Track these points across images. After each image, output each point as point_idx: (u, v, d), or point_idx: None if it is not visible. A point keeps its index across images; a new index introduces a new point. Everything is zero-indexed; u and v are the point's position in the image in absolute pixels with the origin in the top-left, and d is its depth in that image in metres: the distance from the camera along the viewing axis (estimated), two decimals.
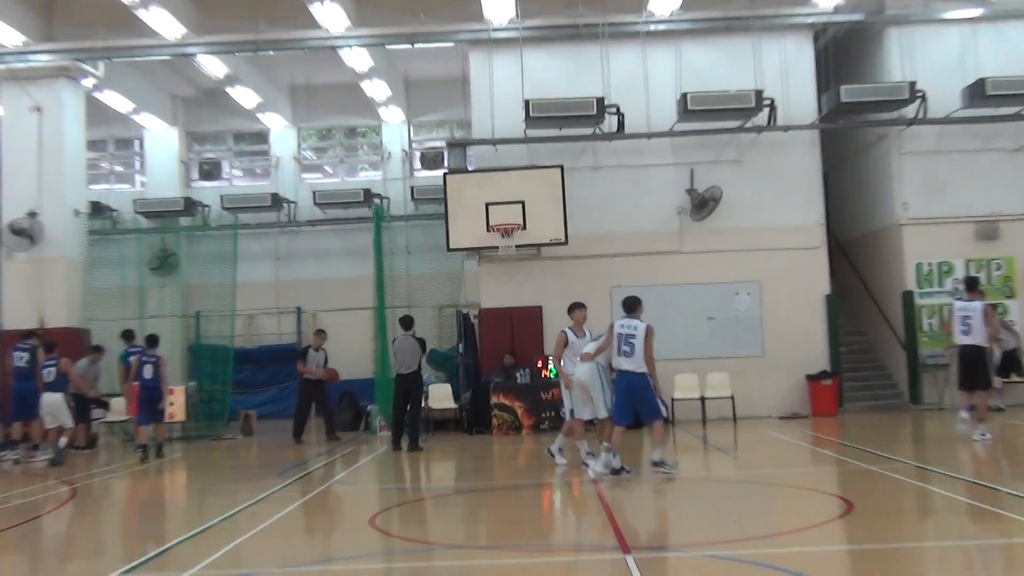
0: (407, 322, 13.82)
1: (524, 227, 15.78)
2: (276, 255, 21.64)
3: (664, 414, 9.85)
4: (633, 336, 9.60)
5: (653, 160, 16.96)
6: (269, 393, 20.90)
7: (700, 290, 16.70)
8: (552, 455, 10.80)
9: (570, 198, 16.11)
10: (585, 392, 10.16)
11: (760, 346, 16.68)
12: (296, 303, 21.48)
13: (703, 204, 16.61)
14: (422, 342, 13.67)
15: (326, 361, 15.84)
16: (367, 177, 22.29)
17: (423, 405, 14.80)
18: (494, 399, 15.23)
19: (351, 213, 20.88)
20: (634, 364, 9.53)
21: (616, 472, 9.63)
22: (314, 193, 20.71)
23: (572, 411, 10.35)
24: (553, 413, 15.01)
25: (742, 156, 16.97)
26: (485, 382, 15.86)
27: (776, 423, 15.52)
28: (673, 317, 16.51)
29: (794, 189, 16.88)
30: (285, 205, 21.17)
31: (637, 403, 9.64)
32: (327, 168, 22.89)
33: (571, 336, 10.34)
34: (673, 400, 15.68)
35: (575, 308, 10.64)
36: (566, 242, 15.96)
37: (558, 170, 16.09)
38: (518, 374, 15.74)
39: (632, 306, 9.88)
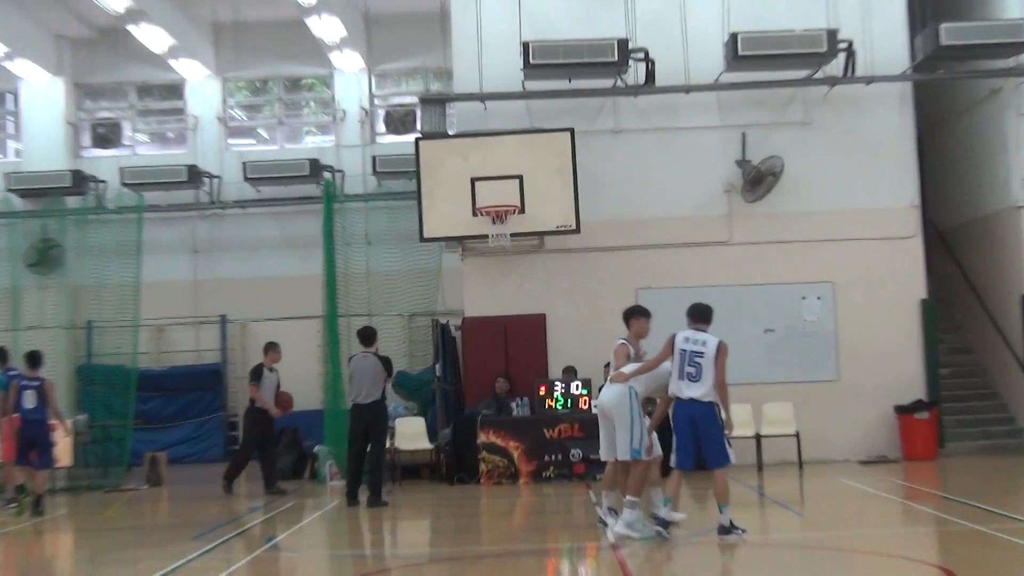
0: (367, 336, 13.80)
1: (522, 210, 15.75)
2: (194, 246, 21.55)
3: (733, 460, 9.88)
4: (700, 355, 9.70)
5: (692, 122, 16.96)
6: (184, 430, 20.84)
7: (754, 294, 16.68)
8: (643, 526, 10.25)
9: (583, 172, 16.09)
10: (608, 424, 10.19)
11: (834, 368, 16.69)
12: (221, 310, 21.41)
13: (759, 180, 16.60)
14: (387, 362, 13.67)
15: (278, 385, 15.82)
16: (314, 144, 22.25)
17: (388, 445, 14.76)
18: (482, 437, 15.22)
19: (293, 191, 20.86)
20: (701, 391, 9.64)
21: (664, 525, 9.69)
22: (244, 165, 20.68)
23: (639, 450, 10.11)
24: (560, 456, 15.01)
25: (810, 117, 16.98)
26: (470, 415, 15.85)
27: (855, 469, 15.51)
28: (719, 329, 16.25)
29: (879, 160, 16.92)
30: (206, 181, 21.14)
31: (702, 441, 9.69)
32: (262, 132, 22.84)
33: (632, 351, 10.35)
34: None
35: (637, 316, 10.53)
36: (578, 230, 15.95)
37: (567, 135, 16.07)
38: (514, 404, 15.72)
39: (703, 315, 9.99)
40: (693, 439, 9.68)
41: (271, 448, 15.72)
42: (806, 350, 16.70)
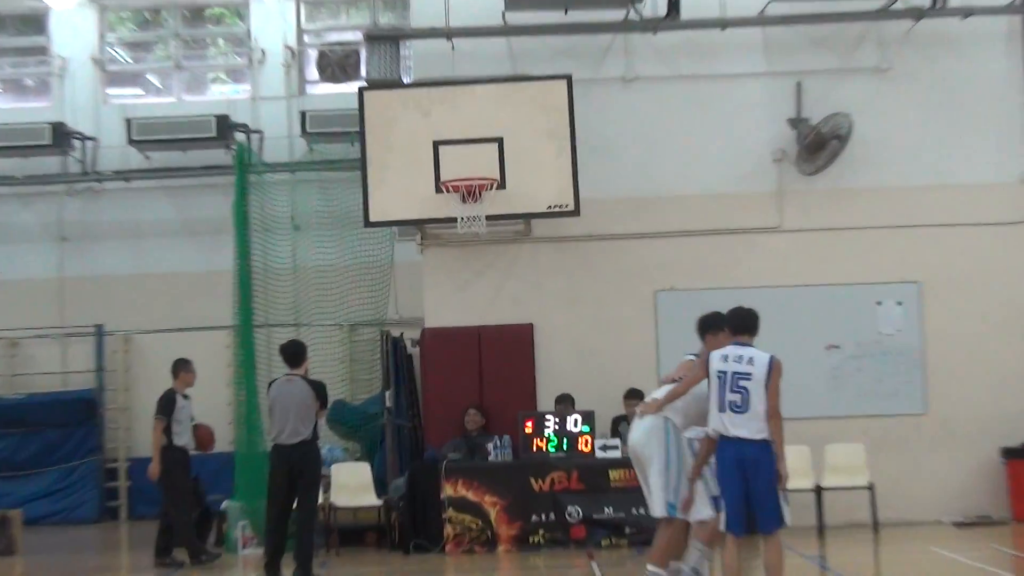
0: (294, 354, 13.66)
1: (502, 185, 15.69)
2: (60, 233, 21.54)
3: (788, 522, 9.95)
4: (747, 376, 9.82)
5: (730, 67, 16.97)
6: (45, 480, 20.74)
7: (813, 298, 16.65)
8: None
9: (584, 134, 16.06)
10: (640, 468, 10.46)
11: (920, 397, 16.66)
12: (96, 318, 21.30)
13: (819, 146, 16.56)
14: (320, 389, 13.57)
15: (192, 416, 15.77)
16: (223, 95, 22.23)
17: (321, 500, 14.62)
18: (447, 490, 15.13)
19: (195, 158, 20.86)
20: (749, 425, 9.74)
21: None
22: (129, 123, 20.60)
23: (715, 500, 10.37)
24: (552, 515, 14.93)
25: (887, 61, 16.97)
26: (431, 460, 15.81)
27: (949, 533, 15.54)
28: (767, 343, 16.18)
29: (979, 120, 16.94)
30: (77, 144, 21.08)
31: (751, 494, 9.74)
32: (152, 79, 22.76)
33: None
34: None
35: (714, 327, 10.63)
36: (576, 211, 15.90)
37: (562, 85, 16.03)
38: (491, 446, 15.63)
39: (747, 324, 10.17)
40: (742, 490, 9.71)
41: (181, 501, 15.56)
42: (882, 374, 16.62)
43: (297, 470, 13.25)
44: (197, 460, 18.20)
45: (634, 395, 15.61)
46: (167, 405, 15.06)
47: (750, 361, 9.79)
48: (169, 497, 15.13)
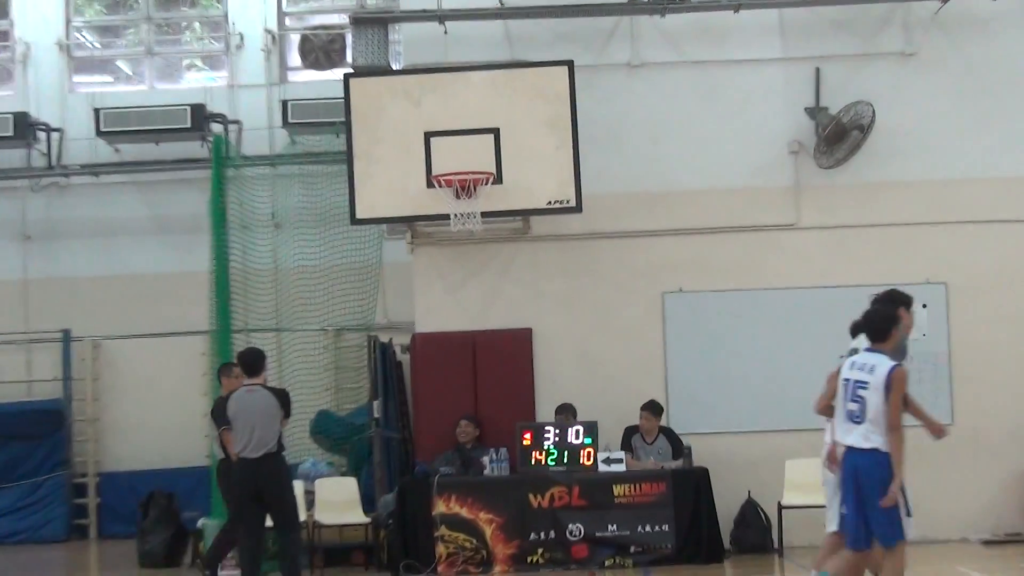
0: (252, 361, 13.67)
1: (498, 179, 15.74)
2: (24, 231, 21.60)
3: (910, 534, 10.13)
4: (865, 384, 9.97)
5: (744, 52, 16.98)
6: (9, 495, 20.77)
7: (831, 300, 16.46)
8: None
9: (587, 125, 16.09)
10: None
11: (946, 407, 16.57)
12: (62, 322, 21.37)
13: (840, 136, 16.60)
14: (282, 397, 13.66)
15: None
16: (199, 83, 22.25)
17: (303, 519, 14.73)
18: (440, 506, 15.18)
19: (168, 151, 20.88)
20: (863, 436, 9.94)
21: None
22: (98, 113, 20.65)
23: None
24: (553, 533, 14.97)
25: (914, 45, 16.98)
26: (422, 474, 15.77)
27: (976, 552, 15.59)
28: (782, 351, 16.46)
29: (1012, 108, 16.95)
30: (41, 136, 21.10)
31: (867, 506, 9.92)
32: (122, 66, 22.79)
33: None
34: (781, 507, 15.74)
35: (893, 321, 10.38)
36: (579, 208, 15.93)
37: (563, 72, 16.06)
38: (486, 459, 15.65)
39: (878, 329, 10.16)
40: (858, 503, 9.94)
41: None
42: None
43: (263, 485, 13.30)
44: (170, 475, 18.40)
45: (651, 408, 15.85)
46: (220, 411, 14.51)
47: (871, 369, 9.91)
48: (232, 504, 14.79)
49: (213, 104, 20.97)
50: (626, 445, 15.69)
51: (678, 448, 15.70)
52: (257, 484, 13.30)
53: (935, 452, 16.23)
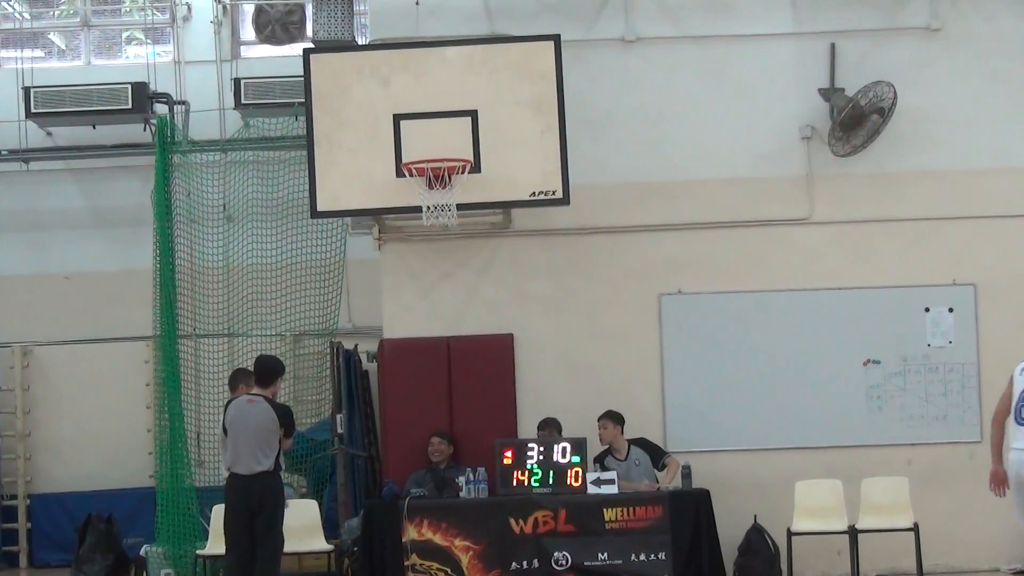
0: (268, 371, 13.94)
1: (476, 167, 15.69)
2: None
3: None
4: None
5: (751, 26, 16.98)
6: None
7: (848, 302, 16.73)
8: None
9: (575, 107, 16.06)
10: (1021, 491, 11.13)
11: (975, 423, 16.61)
12: None
13: (857, 120, 16.57)
14: (284, 413, 13.89)
15: None
16: (141, 59, 22.14)
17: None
18: (411, 532, 15.14)
19: (107, 135, 20.80)
20: None
21: None
22: (27, 92, 20.47)
23: None
24: (536, 562, 14.95)
25: (940, 19, 16.97)
26: (390, 495, 15.74)
27: None
28: (792, 359, 16.49)
29: None
30: None
31: None
32: (55, 40, 22.76)
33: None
34: (790, 534, 15.69)
35: None
36: (566, 200, 15.86)
37: (549, 47, 16.00)
38: (462, 480, 15.59)
39: None
40: None
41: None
42: (930, 393, 16.67)
43: (259, 507, 13.54)
44: (110, 497, 18.24)
45: (611, 417, 15.77)
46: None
47: None
48: (228, 526, 14.96)
49: (157, 83, 20.74)
50: (602, 465, 15.65)
51: (656, 454, 15.76)
52: (249, 505, 13.55)
53: (963, 474, 16.44)
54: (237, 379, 15.09)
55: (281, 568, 15.60)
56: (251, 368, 15.07)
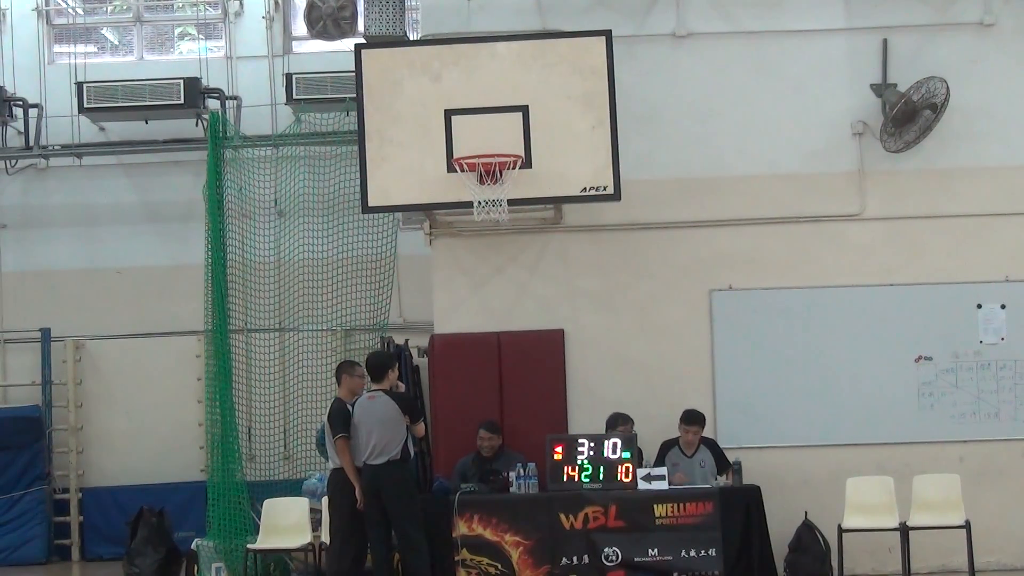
0: (375, 367, 14.43)
1: (527, 163, 15.70)
2: None
3: None
4: None
5: (802, 21, 16.97)
6: None
7: (900, 298, 16.72)
8: None
9: (626, 103, 16.08)
10: None
11: None
12: (41, 321, 21.41)
13: (909, 116, 16.53)
14: (404, 401, 14.35)
15: None
16: (193, 54, 22.26)
17: (307, 541, 15.01)
18: (461, 528, 15.17)
19: (159, 130, 20.93)
20: None
21: None
22: (80, 88, 20.66)
23: None
24: (587, 557, 14.94)
25: (993, 14, 16.92)
26: (441, 490, 15.82)
27: None
28: (843, 355, 16.52)
29: None
30: (17, 113, 21.15)
31: None
32: (108, 35, 22.83)
33: None
34: (841, 531, 15.65)
35: None
36: (617, 196, 15.86)
37: (600, 42, 16.00)
38: (512, 474, 15.65)
39: None
40: None
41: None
42: (983, 391, 16.64)
43: (384, 492, 14.21)
44: (162, 491, 18.36)
45: (692, 420, 15.84)
46: (345, 419, 14.75)
47: None
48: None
49: (209, 78, 20.95)
50: (661, 462, 15.69)
51: (723, 463, 15.72)
52: (377, 490, 14.18)
53: (1015, 471, 16.44)
54: (340, 371, 15.39)
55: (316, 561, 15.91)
56: (354, 360, 15.66)
